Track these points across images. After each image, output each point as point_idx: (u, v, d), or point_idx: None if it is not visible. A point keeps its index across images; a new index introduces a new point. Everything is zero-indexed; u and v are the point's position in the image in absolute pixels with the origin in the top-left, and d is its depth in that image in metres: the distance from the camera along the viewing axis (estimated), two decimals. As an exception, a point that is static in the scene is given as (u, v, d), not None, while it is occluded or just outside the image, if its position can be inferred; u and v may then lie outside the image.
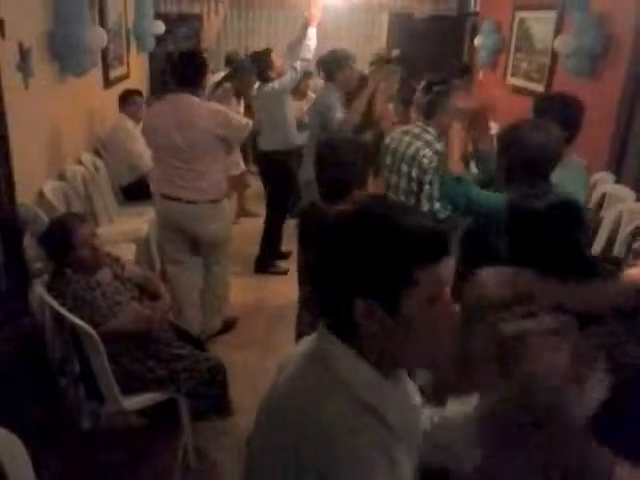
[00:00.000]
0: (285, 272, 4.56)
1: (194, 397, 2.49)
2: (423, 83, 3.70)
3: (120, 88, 4.92)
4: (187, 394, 2.46)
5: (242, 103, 4.90)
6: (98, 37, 3.88)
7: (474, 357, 1.46)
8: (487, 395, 1.27)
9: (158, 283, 2.81)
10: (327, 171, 2.28)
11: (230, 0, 7.26)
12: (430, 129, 2.96)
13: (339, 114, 3.81)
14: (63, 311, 2.28)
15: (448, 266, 0.95)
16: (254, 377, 3.02)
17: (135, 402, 2.40)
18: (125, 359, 2.43)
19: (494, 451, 1.23)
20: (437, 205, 2.88)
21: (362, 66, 4.84)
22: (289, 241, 4.47)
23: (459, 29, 7.63)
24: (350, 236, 0.94)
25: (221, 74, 5.30)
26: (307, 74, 5.17)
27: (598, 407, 1.27)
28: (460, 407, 1.26)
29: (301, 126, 4.58)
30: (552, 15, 5.21)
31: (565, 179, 2.97)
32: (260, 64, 4.40)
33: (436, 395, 1.37)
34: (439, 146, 2.88)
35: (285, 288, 4.12)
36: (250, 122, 3.41)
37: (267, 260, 4.68)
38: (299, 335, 2.37)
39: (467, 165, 2.96)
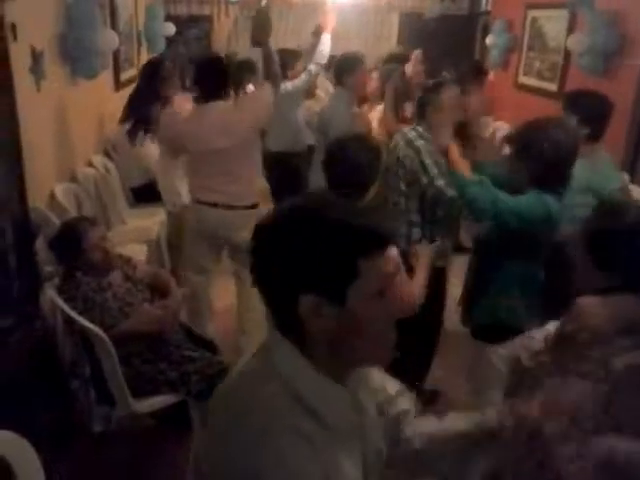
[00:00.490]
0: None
1: (205, 399, 2.48)
2: (431, 83, 3.63)
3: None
4: (198, 396, 2.44)
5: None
6: (110, 40, 3.89)
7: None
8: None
9: (168, 278, 2.79)
10: (338, 171, 2.22)
11: (241, 1, 7.27)
12: (422, 131, 2.76)
13: (344, 125, 3.65)
14: (73, 314, 2.28)
15: (393, 256, 0.93)
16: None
17: (146, 405, 2.39)
18: (136, 361, 2.43)
19: None
20: (441, 182, 2.65)
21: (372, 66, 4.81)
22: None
23: (470, 28, 7.58)
24: (289, 231, 0.91)
25: None
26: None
27: None
28: (456, 421, 1.24)
29: (309, 126, 4.56)
30: (564, 13, 5.16)
31: (598, 175, 2.93)
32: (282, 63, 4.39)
33: None
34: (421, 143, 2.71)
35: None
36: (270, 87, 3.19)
37: None
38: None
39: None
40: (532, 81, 5.89)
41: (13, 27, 2.74)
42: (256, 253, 0.94)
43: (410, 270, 2.12)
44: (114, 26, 4.64)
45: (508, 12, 6.39)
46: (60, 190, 3.39)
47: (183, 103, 3.76)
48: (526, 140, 2.22)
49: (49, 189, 3.34)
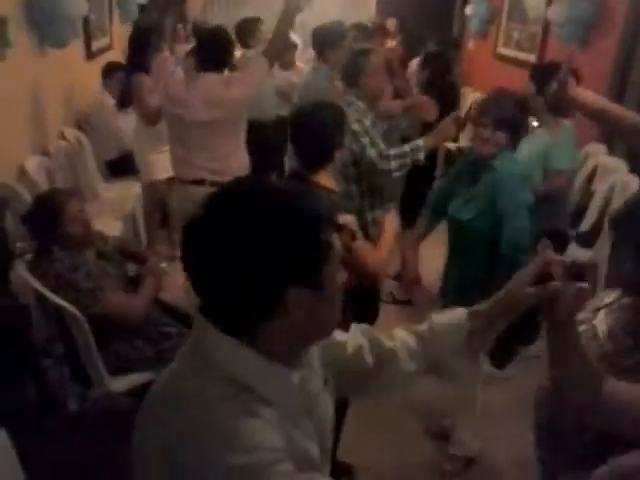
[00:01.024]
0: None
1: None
2: (419, 58, 3.57)
3: (104, 60, 4.79)
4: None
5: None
6: (78, 5, 3.74)
7: None
8: None
9: (135, 244, 2.74)
10: (305, 139, 2.14)
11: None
12: (355, 100, 2.72)
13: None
14: (45, 291, 2.23)
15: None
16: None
17: (122, 383, 2.37)
18: (112, 339, 2.40)
19: None
20: (372, 152, 2.63)
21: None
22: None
23: (450, -3, 7.47)
24: (256, 226, 0.86)
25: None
26: (293, 46, 5.02)
27: None
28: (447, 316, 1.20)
29: (286, 97, 4.46)
30: (544, -17, 5.11)
31: (555, 145, 2.97)
32: (242, 32, 4.40)
33: None
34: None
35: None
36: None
37: None
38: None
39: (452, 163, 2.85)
40: (511, 52, 5.86)
41: (-25, -7, 2.63)
42: (215, 249, 0.88)
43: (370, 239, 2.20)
44: (83, -9, 4.47)
45: (488, -19, 6.31)
46: (31, 164, 3.30)
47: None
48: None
49: (19, 163, 3.24)
